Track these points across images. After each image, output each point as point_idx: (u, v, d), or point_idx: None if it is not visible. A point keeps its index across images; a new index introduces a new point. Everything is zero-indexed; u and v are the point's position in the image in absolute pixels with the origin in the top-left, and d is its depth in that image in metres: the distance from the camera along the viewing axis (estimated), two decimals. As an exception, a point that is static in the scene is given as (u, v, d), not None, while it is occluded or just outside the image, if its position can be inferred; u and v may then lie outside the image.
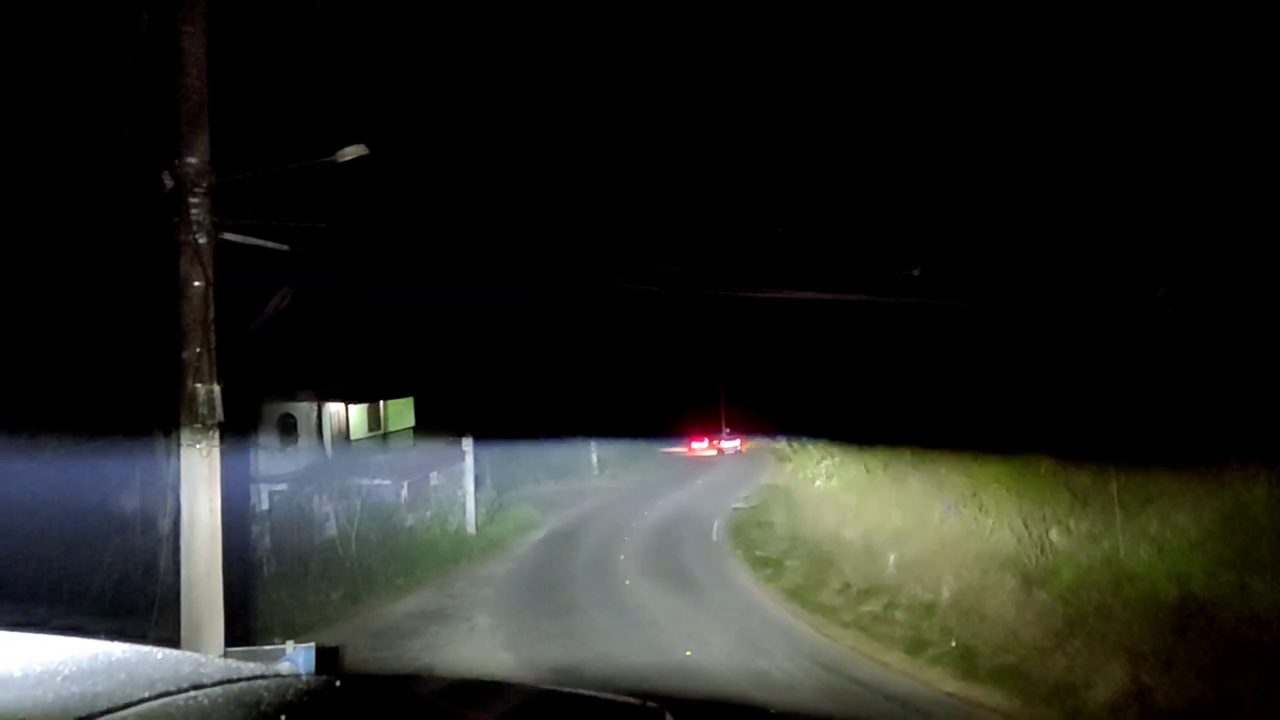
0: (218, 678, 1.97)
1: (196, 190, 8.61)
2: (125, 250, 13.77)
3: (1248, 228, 16.99)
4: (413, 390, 32.42)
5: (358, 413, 29.32)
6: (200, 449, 8.56)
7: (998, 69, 18.35)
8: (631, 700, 3.29)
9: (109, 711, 1.61)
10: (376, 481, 26.15)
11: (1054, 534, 16.77)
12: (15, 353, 16.44)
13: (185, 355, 8.56)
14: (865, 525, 23.18)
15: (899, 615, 17.84)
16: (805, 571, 22.92)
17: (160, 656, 2.17)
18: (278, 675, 2.23)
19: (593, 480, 47.14)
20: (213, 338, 8.64)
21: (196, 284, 8.61)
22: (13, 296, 16.08)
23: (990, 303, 18.40)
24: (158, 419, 16.29)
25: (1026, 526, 17.11)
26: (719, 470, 51.50)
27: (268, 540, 23.06)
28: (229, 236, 9.06)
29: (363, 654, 17.27)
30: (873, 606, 18.76)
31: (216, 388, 8.60)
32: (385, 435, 30.67)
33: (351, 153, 9.33)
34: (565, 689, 4.18)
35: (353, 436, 28.75)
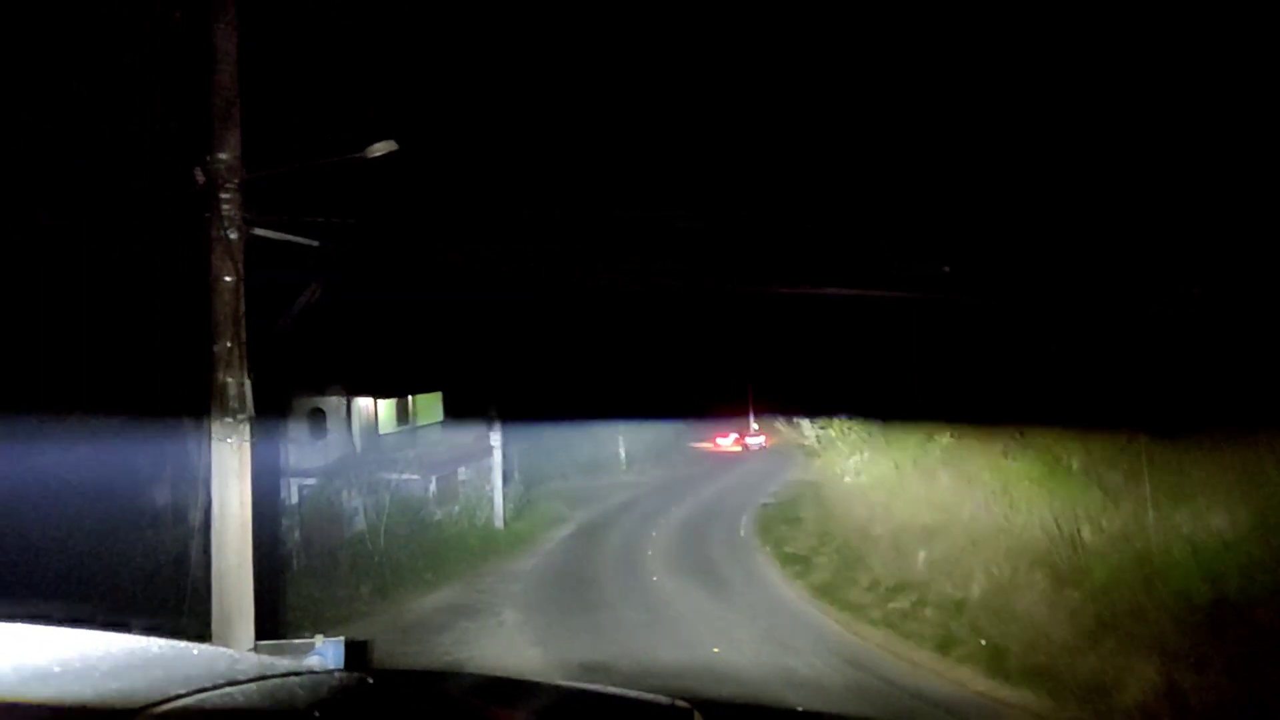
0: (252, 674, 1.98)
1: (228, 186, 8.68)
2: (156, 243, 13.91)
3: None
4: (442, 384, 32.47)
5: (386, 407, 29.43)
6: (231, 442, 8.63)
7: (1042, 65, 18.09)
8: (661, 700, 3.26)
9: (148, 707, 1.62)
10: (405, 476, 26.26)
11: (1086, 532, 16.60)
12: (45, 344, 16.56)
13: (216, 349, 8.63)
14: (894, 522, 23.02)
15: (928, 613, 17.72)
16: (834, 568, 22.83)
17: (196, 653, 2.20)
18: (311, 672, 2.24)
19: (620, 476, 47.08)
20: (243, 332, 8.71)
21: (228, 279, 8.68)
22: (43, 289, 16.21)
23: (1019, 299, 18.22)
24: (189, 408, 16.37)
25: (1058, 524, 16.94)
26: (746, 467, 51.34)
27: (297, 534, 23.25)
28: (259, 232, 9.12)
29: (392, 648, 17.33)
30: (902, 604, 18.64)
31: (247, 381, 8.66)
32: (414, 429, 30.78)
33: (381, 148, 9.37)
34: (593, 687, 4.14)
35: (381, 430, 28.89)
